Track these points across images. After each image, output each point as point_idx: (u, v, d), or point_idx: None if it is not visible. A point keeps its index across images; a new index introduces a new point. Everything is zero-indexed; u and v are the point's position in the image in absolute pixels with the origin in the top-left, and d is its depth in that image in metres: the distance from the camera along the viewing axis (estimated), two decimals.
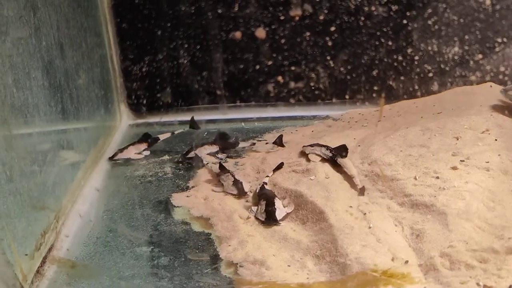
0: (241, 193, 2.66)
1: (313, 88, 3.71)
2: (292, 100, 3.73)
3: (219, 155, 3.11)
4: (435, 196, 2.27)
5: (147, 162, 3.17)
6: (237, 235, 2.32)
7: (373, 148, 2.77)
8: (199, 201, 2.66)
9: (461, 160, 2.47)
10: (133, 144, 3.20)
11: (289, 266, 2.12)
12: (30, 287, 2.00)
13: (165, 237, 2.38)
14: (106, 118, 3.49)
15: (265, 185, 2.65)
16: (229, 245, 2.26)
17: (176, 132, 3.40)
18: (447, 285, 1.86)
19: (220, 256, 2.21)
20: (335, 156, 2.72)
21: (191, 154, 3.04)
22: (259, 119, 3.73)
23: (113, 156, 3.11)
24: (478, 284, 1.82)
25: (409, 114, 3.40)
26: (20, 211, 2.04)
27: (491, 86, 3.50)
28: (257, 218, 2.44)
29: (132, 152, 3.14)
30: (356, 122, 3.51)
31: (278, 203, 2.48)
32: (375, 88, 3.64)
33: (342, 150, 2.75)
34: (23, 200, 2.07)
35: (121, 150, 3.14)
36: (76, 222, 2.52)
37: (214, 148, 3.10)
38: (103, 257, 2.25)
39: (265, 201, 2.47)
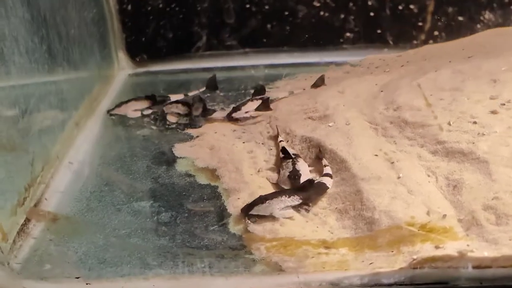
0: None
1: None
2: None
3: (146, 112, 2.88)
4: (473, 143, 2.07)
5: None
6: (247, 187, 2.12)
7: (398, 93, 2.57)
8: (204, 151, 2.46)
9: (501, 104, 2.28)
10: (136, 99, 2.95)
11: (307, 221, 1.90)
12: (12, 247, 1.82)
13: (167, 190, 2.20)
14: (102, 65, 3.28)
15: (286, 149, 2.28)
16: (238, 198, 2.06)
17: (190, 94, 3.09)
18: (494, 243, 1.64)
19: (228, 210, 2.02)
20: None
21: (115, 111, 2.86)
22: (270, 66, 3.48)
23: (111, 110, 2.90)
24: None
25: (436, 58, 3.18)
26: None
27: None
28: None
29: (130, 108, 2.89)
30: (376, 67, 3.28)
31: (302, 165, 2.17)
32: None
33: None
34: (2, 146, 1.82)
35: (121, 104, 2.90)
36: (67, 175, 2.34)
37: (144, 105, 2.88)
38: (97, 213, 2.07)
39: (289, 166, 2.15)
